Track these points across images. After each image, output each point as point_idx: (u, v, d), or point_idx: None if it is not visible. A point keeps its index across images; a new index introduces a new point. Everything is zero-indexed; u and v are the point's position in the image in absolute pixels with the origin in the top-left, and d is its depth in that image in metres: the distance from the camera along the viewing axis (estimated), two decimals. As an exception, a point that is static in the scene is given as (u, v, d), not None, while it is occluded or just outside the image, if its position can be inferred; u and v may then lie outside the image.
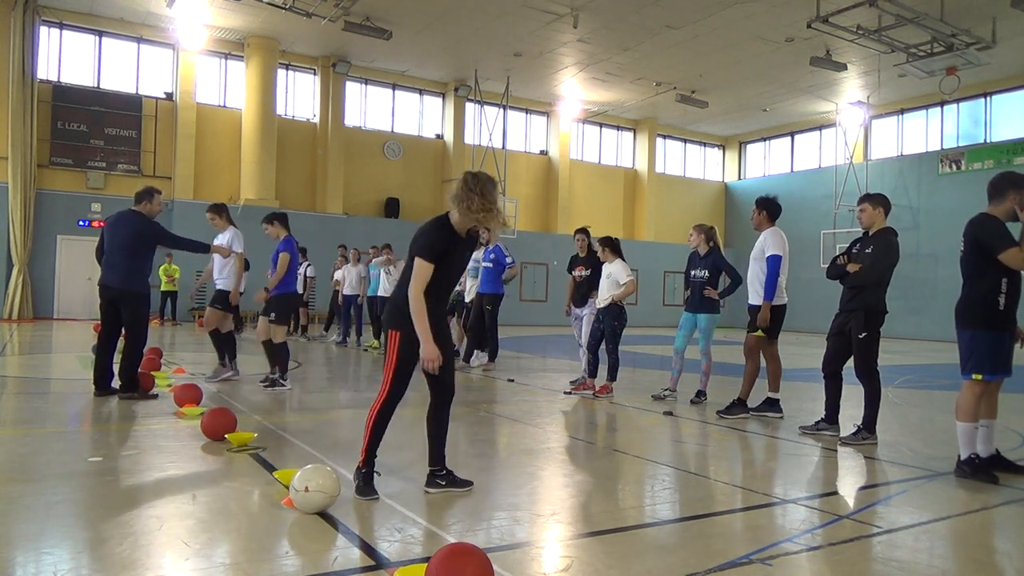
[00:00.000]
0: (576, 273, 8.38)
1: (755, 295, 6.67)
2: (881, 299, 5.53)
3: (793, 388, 8.92)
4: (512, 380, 8.89)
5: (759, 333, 6.64)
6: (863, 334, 5.47)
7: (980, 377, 4.44)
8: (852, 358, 5.58)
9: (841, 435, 5.64)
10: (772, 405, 6.68)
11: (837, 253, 5.94)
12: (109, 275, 6.63)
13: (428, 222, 3.87)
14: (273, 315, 7.55)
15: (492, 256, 9.89)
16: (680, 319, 7.69)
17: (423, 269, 3.68)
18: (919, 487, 4.37)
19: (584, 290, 8.29)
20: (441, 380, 3.87)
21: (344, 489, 3.63)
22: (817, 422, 5.86)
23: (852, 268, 5.56)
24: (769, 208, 6.77)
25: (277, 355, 7.49)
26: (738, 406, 6.68)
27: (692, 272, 7.54)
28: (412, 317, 3.71)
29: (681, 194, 30.00)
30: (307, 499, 3.30)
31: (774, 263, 6.55)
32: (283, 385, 7.44)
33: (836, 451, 5.33)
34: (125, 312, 6.60)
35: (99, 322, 6.96)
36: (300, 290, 15.14)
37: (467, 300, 10.75)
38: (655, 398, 7.56)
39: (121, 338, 6.76)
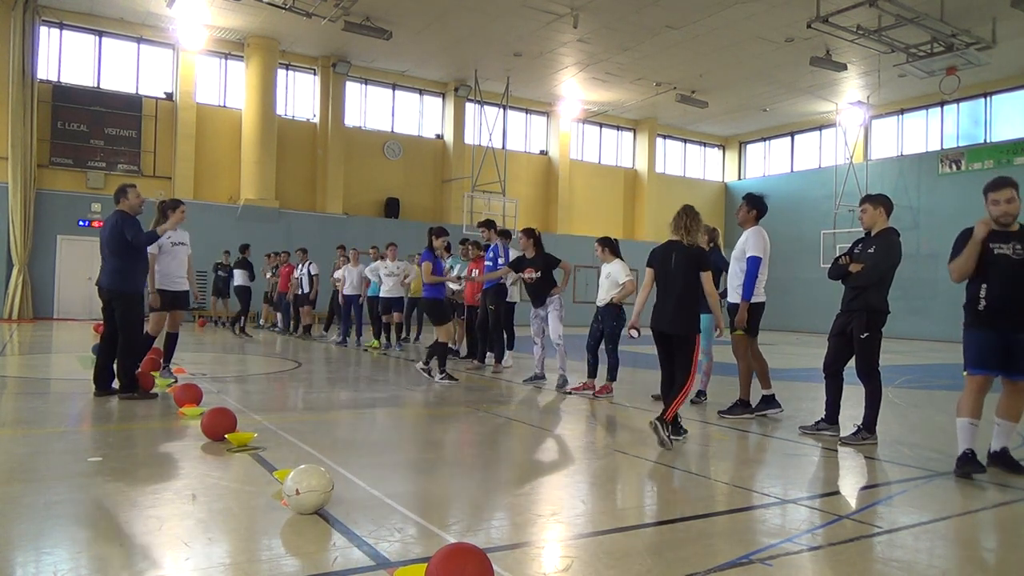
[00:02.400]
0: (527, 276, 8.27)
1: (735, 294, 6.71)
2: (883, 299, 5.53)
3: (793, 388, 8.92)
4: (501, 375, 8.89)
5: (739, 332, 6.66)
6: (865, 334, 5.47)
7: (966, 373, 4.67)
8: (854, 358, 5.59)
9: (841, 435, 5.64)
10: (769, 402, 6.70)
11: (837, 253, 5.96)
12: (100, 276, 6.67)
13: (704, 249, 5.74)
14: (430, 317, 8.66)
15: (491, 254, 9.89)
16: None
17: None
18: (919, 487, 4.37)
19: (540, 290, 8.27)
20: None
21: (339, 485, 3.63)
22: (817, 422, 5.86)
23: (854, 268, 5.56)
24: (759, 207, 6.76)
25: (438, 353, 8.51)
26: (740, 406, 6.69)
27: None
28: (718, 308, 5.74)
29: (681, 194, 29.87)
30: (301, 501, 3.30)
31: (754, 264, 6.55)
32: (438, 378, 8.42)
33: (836, 451, 5.33)
34: (116, 312, 6.57)
35: (100, 322, 6.97)
36: (307, 288, 15.13)
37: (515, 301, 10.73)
38: (655, 398, 7.54)
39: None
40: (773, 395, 6.72)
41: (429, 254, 8.55)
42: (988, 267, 4.58)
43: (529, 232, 8.49)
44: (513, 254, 9.99)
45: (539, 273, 8.21)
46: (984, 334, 4.60)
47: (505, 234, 10.28)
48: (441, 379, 8.39)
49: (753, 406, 6.72)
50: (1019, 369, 4.55)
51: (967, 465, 4.50)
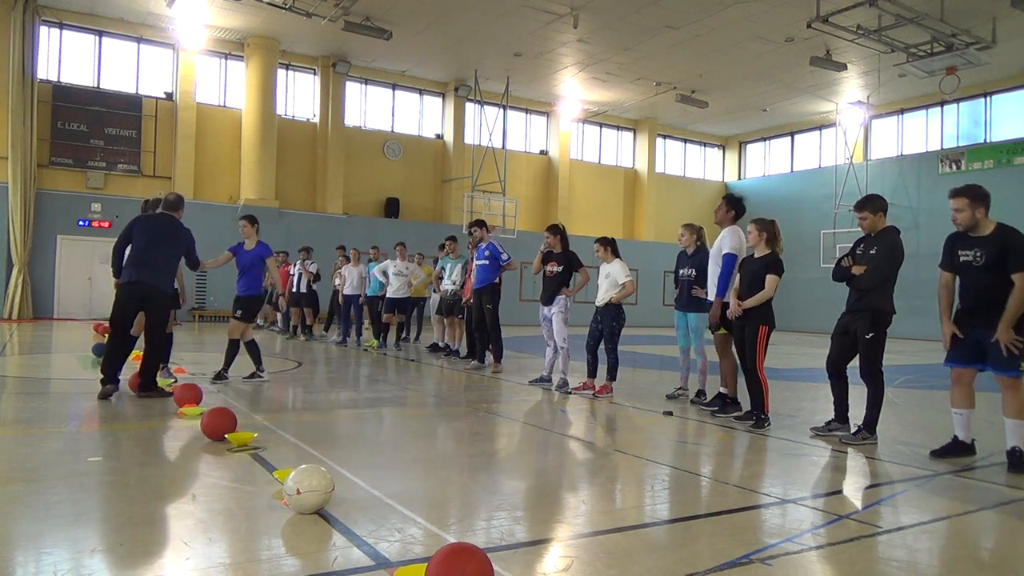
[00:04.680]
0: (549, 268, 8.38)
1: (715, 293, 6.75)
2: (888, 300, 5.52)
3: (793, 388, 8.93)
4: (501, 375, 8.88)
5: (722, 331, 6.70)
6: (870, 335, 5.48)
7: (945, 366, 5.16)
8: (857, 358, 5.61)
9: (841, 435, 5.67)
10: (726, 402, 6.81)
11: (838, 254, 6.02)
12: (144, 273, 6.57)
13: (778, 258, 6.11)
14: (240, 313, 7.94)
15: (487, 252, 9.86)
16: (674, 318, 7.74)
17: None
18: (919, 487, 4.37)
19: (554, 287, 8.30)
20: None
21: (339, 486, 3.63)
22: (828, 423, 5.87)
23: (856, 271, 5.56)
24: (737, 208, 6.94)
25: (250, 351, 7.96)
26: (730, 405, 6.72)
27: (680, 271, 7.58)
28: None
29: (681, 194, 30.02)
30: (301, 501, 3.30)
31: (728, 262, 6.63)
32: (261, 377, 7.92)
33: (836, 451, 5.33)
34: (153, 312, 6.65)
35: (100, 322, 6.97)
36: (303, 289, 15.09)
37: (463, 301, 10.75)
38: (669, 397, 7.62)
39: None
40: (735, 398, 6.82)
41: (269, 248, 8.18)
42: (958, 272, 5.01)
43: (554, 229, 8.53)
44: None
45: (561, 267, 8.27)
46: (960, 330, 4.97)
47: (481, 224, 10.31)
48: (245, 377, 7.90)
49: (705, 402, 7.06)
50: (996, 364, 4.79)
51: (942, 449, 5.08)
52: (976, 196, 4.86)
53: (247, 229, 8.10)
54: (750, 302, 6.05)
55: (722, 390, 6.86)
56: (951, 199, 4.95)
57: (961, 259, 4.94)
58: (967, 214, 4.87)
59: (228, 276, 18.22)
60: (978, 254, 4.83)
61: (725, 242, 6.71)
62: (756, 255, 6.26)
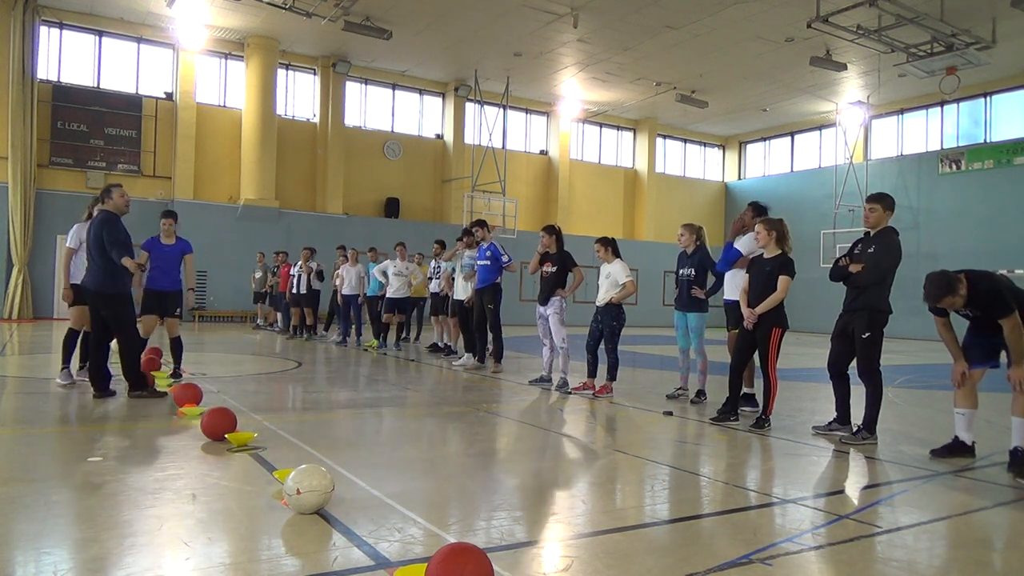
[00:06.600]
0: (544, 269, 8.42)
1: (732, 292, 6.78)
2: (884, 299, 5.55)
3: (793, 388, 8.92)
4: (501, 375, 8.87)
5: (737, 330, 6.72)
6: (866, 334, 5.49)
7: None
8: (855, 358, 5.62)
9: (841, 435, 5.67)
10: (748, 400, 6.81)
11: (838, 254, 6.03)
12: (86, 277, 6.62)
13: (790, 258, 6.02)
14: (178, 311, 7.97)
15: (488, 253, 9.86)
16: (674, 319, 7.74)
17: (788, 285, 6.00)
18: (919, 487, 4.37)
19: (550, 287, 8.33)
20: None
21: (339, 486, 3.63)
22: (830, 423, 5.89)
23: (854, 268, 5.59)
24: (763, 215, 6.93)
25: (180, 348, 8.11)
26: (742, 401, 6.73)
27: (680, 271, 7.59)
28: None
29: (681, 194, 30.01)
30: (301, 501, 3.30)
31: (735, 255, 6.79)
32: (181, 375, 7.97)
33: (836, 451, 5.33)
34: (105, 314, 6.53)
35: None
36: (303, 290, 15.06)
37: (464, 299, 10.72)
38: (669, 397, 7.61)
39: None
40: (753, 395, 6.87)
41: (190, 245, 8.15)
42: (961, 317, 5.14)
43: (550, 229, 8.59)
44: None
45: (556, 268, 8.30)
46: (969, 335, 5.13)
47: (483, 224, 10.39)
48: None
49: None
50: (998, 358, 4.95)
51: (943, 448, 5.10)
52: (955, 290, 4.80)
53: (170, 226, 8.02)
54: (762, 308, 5.97)
55: (747, 390, 6.87)
56: (929, 301, 4.93)
57: (962, 314, 5.03)
58: (957, 302, 4.83)
59: (229, 276, 18.30)
60: (972, 310, 4.93)
61: (740, 242, 6.82)
62: (766, 255, 6.16)
